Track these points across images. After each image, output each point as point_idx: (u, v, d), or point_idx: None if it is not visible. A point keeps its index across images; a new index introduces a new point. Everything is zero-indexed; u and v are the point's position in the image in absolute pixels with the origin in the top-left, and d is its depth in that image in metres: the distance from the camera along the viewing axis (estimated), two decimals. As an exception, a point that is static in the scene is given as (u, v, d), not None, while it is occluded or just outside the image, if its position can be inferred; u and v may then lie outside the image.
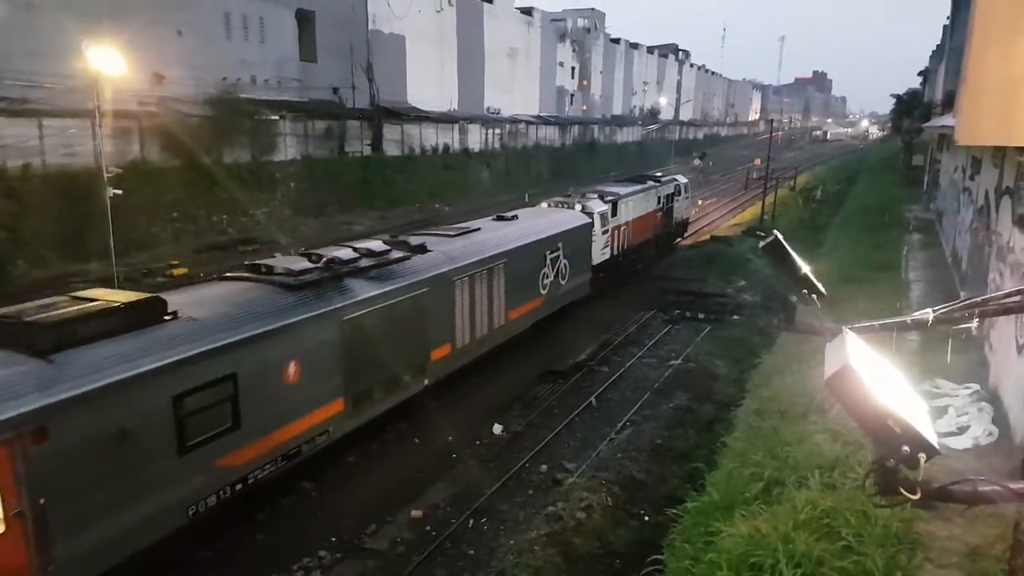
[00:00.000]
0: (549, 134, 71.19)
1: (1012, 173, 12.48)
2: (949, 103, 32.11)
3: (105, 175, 20.23)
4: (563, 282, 21.56)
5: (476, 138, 58.27)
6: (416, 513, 12.19)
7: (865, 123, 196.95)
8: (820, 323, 4.03)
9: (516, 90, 68.37)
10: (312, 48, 42.68)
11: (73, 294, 10.10)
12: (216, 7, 36.34)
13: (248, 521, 11.57)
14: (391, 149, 47.37)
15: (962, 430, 9.91)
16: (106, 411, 8.74)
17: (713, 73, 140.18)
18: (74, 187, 26.58)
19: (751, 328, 22.12)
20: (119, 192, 20.58)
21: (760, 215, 43.06)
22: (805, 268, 4.40)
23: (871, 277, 20.94)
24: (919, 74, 66.73)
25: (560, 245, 21.13)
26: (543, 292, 20.48)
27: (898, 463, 2.67)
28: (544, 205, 24.97)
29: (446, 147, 53.76)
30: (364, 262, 13.85)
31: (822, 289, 4.40)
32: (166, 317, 10.07)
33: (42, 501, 8.08)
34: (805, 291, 4.41)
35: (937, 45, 54.50)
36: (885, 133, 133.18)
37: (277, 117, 38.44)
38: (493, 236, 18.63)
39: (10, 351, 8.52)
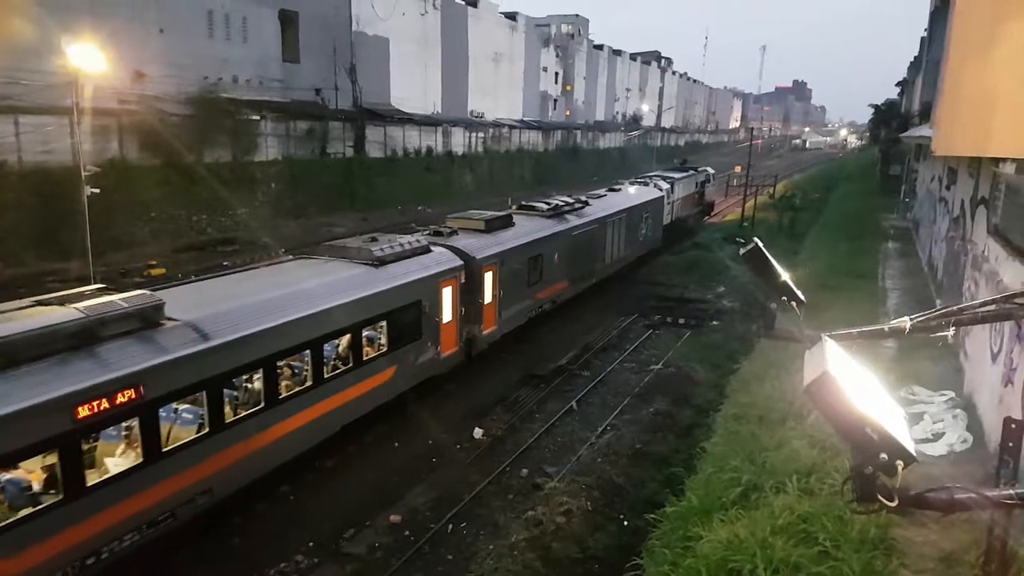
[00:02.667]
0: (532, 138, 71.35)
1: (987, 183, 12.68)
2: (926, 114, 32.59)
3: (83, 173, 19.95)
4: (649, 234, 32.26)
5: (459, 141, 58.27)
6: (395, 517, 12.12)
7: (844, 132, 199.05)
8: (799, 330, 4.07)
9: (500, 94, 68.44)
10: (295, 48, 42.47)
11: (456, 215, 21.16)
12: (199, 5, 36.07)
13: (225, 525, 11.45)
14: (374, 151, 47.23)
15: (937, 437, 10.03)
16: (512, 259, 19.59)
17: (695, 81, 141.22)
18: (51, 185, 26.22)
19: (730, 334, 22.28)
20: (97, 191, 20.29)
21: (740, 222, 43.40)
22: (784, 275, 4.44)
23: (849, 285, 21.16)
24: (897, 85, 67.68)
25: (649, 209, 31.99)
26: (640, 239, 31.05)
27: (876, 470, 2.70)
28: (627, 183, 34.88)
29: (429, 150, 53.69)
30: (566, 208, 24.49)
31: (801, 296, 4.44)
32: (512, 226, 20.79)
33: (501, 293, 18.92)
34: (784, 298, 4.45)
35: (915, 57, 55.27)
36: (863, 142, 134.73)
37: (258, 117, 38.18)
38: (615, 200, 29.35)
39: (471, 231, 19.38)
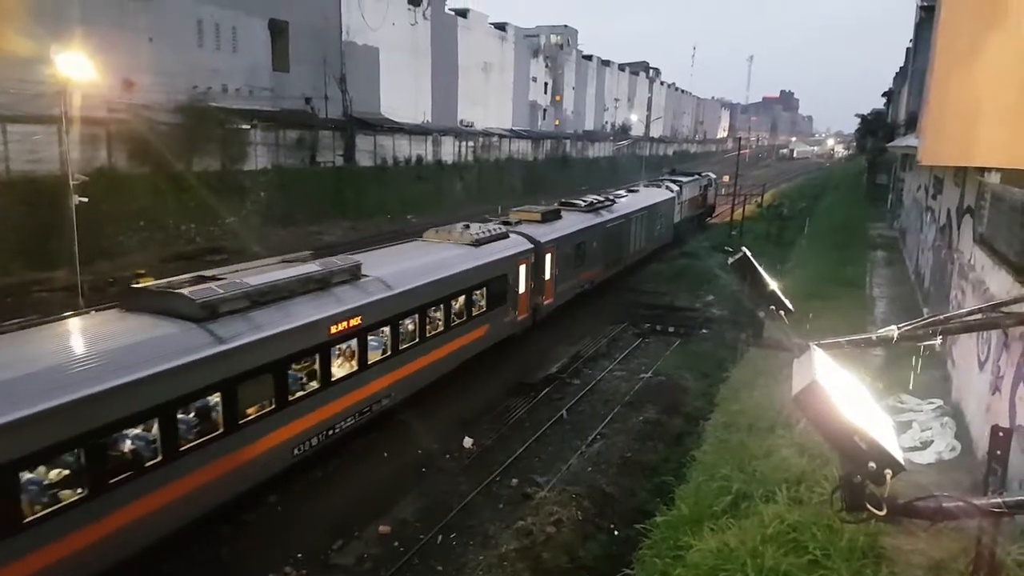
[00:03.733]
0: (522, 148, 71.50)
1: (973, 193, 12.79)
2: (912, 123, 32.91)
3: (71, 182, 19.80)
4: (663, 230, 37.12)
5: (449, 150, 58.31)
6: (384, 528, 12.05)
7: (831, 142, 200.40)
8: (787, 339, 4.08)
9: (489, 104, 68.62)
10: (285, 58, 42.44)
11: (517, 208, 25.13)
12: (188, 15, 35.99)
13: (213, 535, 11.34)
14: (364, 160, 47.18)
15: (925, 445, 10.06)
16: (564, 245, 23.43)
17: (683, 91, 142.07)
18: (39, 194, 26.00)
19: (719, 342, 22.32)
20: (85, 200, 20.14)
21: (728, 231, 43.60)
22: (773, 284, 4.46)
23: (836, 293, 21.26)
24: (883, 95, 68.29)
25: (663, 208, 36.88)
26: (656, 234, 35.65)
27: (865, 479, 2.70)
28: (642, 186, 40.06)
29: (419, 159, 53.68)
30: (599, 204, 28.82)
31: (789, 305, 4.46)
32: (560, 218, 24.82)
33: (556, 272, 22.87)
34: (772, 307, 4.47)
35: (901, 67, 55.80)
36: (850, 152, 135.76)
37: (248, 126, 38.07)
38: (636, 199, 34.00)
39: (531, 222, 23.23)
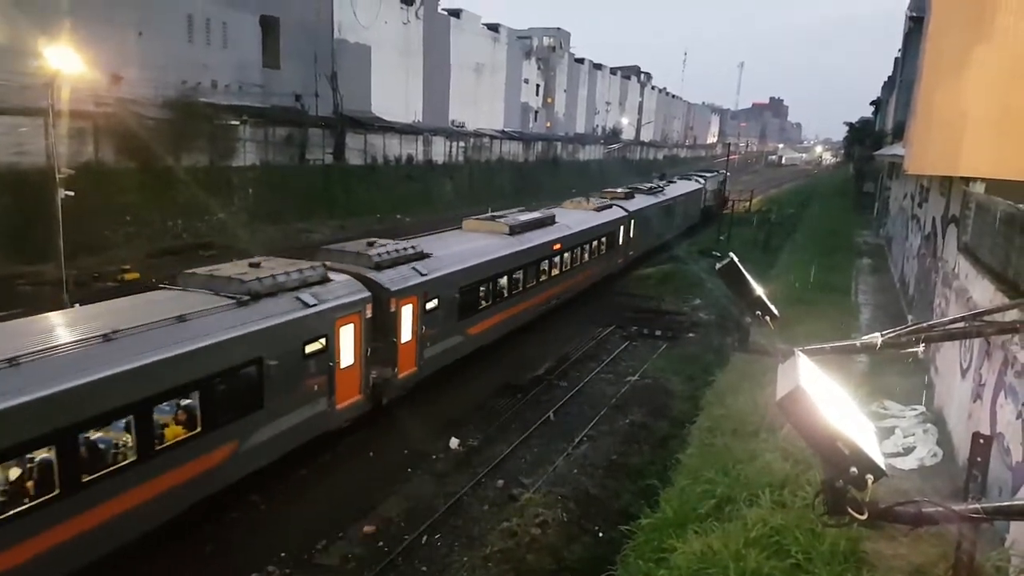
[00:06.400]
0: (513, 149, 71.53)
1: (958, 202, 12.93)
2: (899, 133, 33.21)
3: (57, 175, 19.62)
4: (693, 213, 47.79)
5: (440, 150, 58.23)
6: (368, 528, 12.02)
7: (819, 149, 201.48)
8: (773, 345, 4.12)
9: (481, 104, 68.61)
10: (276, 54, 42.27)
11: (607, 189, 38.49)
12: (178, 9, 35.79)
13: (196, 533, 11.28)
14: (353, 158, 47.04)
15: (908, 451, 10.17)
16: (639, 215, 34.18)
17: (674, 96, 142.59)
18: (24, 187, 25.77)
19: (706, 346, 22.43)
20: (71, 193, 19.94)
21: (716, 236, 43.79)
22: (759, 290, 4.50)
23: (822, 300, 21.41)
24: (871, 103, 68.85)
25: (694, 196, 48.34)
26: (688, 216, 46.31)
27: (847, 484, 2.74)
28: (678, 178, 51.65)
29: (410, 158, 53.59)
30: (655, 189, 41.26)
31: (775, 311, 4.51)
32: (634, 198, 35.63)
33: (631, 234, 33.36)
34: (759, 313, 4.51)
35: (889, 76, 56.31)
36: (838, 159, 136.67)
37: (237, 122, 37.86)
38: (675, 188, 44.83)
39: (618, 197, 35.08)
